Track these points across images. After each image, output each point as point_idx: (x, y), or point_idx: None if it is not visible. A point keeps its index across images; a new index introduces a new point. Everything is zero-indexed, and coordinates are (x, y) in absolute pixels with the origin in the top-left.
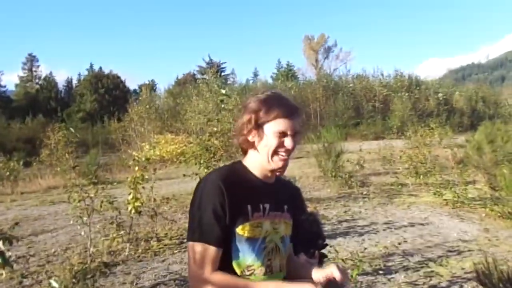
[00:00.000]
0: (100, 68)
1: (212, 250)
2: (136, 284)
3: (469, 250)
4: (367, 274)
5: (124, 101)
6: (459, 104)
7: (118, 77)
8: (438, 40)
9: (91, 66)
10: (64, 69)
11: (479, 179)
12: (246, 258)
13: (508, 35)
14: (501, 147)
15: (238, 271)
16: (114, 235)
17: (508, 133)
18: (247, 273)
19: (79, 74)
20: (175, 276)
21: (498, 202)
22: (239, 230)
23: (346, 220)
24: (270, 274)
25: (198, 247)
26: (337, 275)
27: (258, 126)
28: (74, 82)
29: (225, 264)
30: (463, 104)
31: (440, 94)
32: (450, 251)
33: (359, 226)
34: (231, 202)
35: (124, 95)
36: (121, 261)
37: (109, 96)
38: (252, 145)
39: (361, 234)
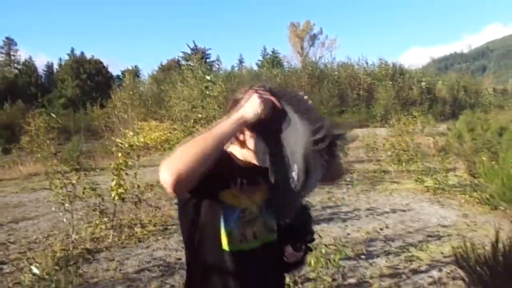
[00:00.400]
0: (82, 53)
1: None
2: (120, 270)
3: (448, 235)
4: (349, 259)
5: (107, 87)
6: (441, 93)
7: (101, 62)
8: (421, 29)
9: (72, 50)
10: (44, 53)
11: (459, 166)
12: (227, 225)
13: (490, 26)
14: (481, 135)
15: (224, 237)
16: (98, 221)
17: (488, 122)
18: (230, 240)
19: (60, 59)
20: (159, 262)
21: (477, 189)
22: (220, 196)
23: (329, 207)
24: (249, 241)
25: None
26: None
27: (253, 128)
28: (55, 67)
29: (212, 230)
30: (446, 93)
31: (423, 83)
32: (430, 236)
33: (342, 212)
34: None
35: (106, 81)
36: (104, 248)
37: (91, 82)
38: (242, 144)
39: (344, 220)
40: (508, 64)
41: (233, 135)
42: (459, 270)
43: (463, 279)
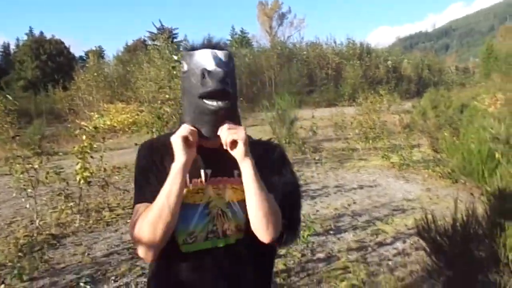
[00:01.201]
0: (41, 32)
1: (142, 206)
2: (88, 254)
3: (412, 208)
4: (318, 234)
5: (69, 68)
6: (406, 72)
7: (62, 43)
8: (388, 8)
9: (31, 30)
10: (0, 33)
11: (423, 143)
12: (188, 224)
13: (453, 4)
14: (444, 112)
15: (181, 239)
16: (63, 206)
17: (450, 99)
18: (190, 240)
19: (17, 39)
20: (129, 245)
21: (439, 164)
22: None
23: (299, 185)
24: (213, 239)
25: (134, 210)
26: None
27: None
28: (12, 47)
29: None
30: (411, 71)
31: (389, 62)
32: (395, 210)
33: (311, 190)
34: (167, 165)
35: (69, 62)
36: (71, 233)
37: (52, 63)
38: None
39: (313, 198)
40: (469, 42)
41: (182, 185)
42: (421, 241)
43: (424, 250)
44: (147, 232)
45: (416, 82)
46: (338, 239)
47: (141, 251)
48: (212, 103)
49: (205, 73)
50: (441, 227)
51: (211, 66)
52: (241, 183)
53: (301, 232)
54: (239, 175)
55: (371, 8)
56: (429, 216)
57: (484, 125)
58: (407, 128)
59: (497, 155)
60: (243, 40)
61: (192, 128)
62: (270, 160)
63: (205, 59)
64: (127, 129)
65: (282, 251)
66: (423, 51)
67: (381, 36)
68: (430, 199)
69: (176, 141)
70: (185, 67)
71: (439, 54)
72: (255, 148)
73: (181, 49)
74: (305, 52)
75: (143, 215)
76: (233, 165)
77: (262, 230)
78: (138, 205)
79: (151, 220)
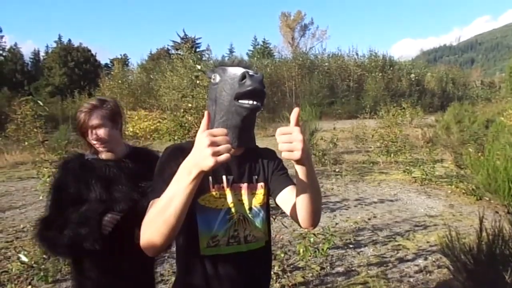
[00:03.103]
0: (69, 40)
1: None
2: None
3: (434, 225)
4: (337, 248)
5: (95, 75)
6: (430, 85)
7: (89, 51)
8: (412, 21)
9: (60, 38)
10: (31, 40)
11: (447, 158)
12: (210, 229)
13: (478, 19)
14: (468, 127)
15: (204, 242)
16: None
17: (475, 114)
18: (212, 244)
19: (47, 46)
20: None
21: (463, 180)
22: (200, 201)
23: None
24: (235, 244)
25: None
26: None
27: None
28: (42, 54)
29: (191, 237)
30: (434, 85)
31: (412, 75)
32: (417, 226)
33: (331, 202)
34: None
35: (95, 70)
36: None
37: (79, 70)
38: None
39: (333, 210)
40: (496, 57)
41: (193, 190)
42: (444, 259)
43: (447, 268)
44: (147, 229)
45: (439, 95)
46: (358, 253)
47: (142, 246)
48: (249, 102)
49: (246, 75)
50: (466, 246)
51: (250, 72)
52: (261, 188)
53: (321, 245)
54: (257, 180)
55: (395, 20)
56: (453, 233)
57: (511, 141)
58: (430, 143)
59: None
60: (265, 51)
61: (225, 131)
62: (275, 162)
63: (241, 71)
64: (149, 136)
65: (301, 263)
66: (447, 65)
67: (404, 49)
68: (453, 216)
69: (204, 141)
70: (218, 79)
71: (464, 68)
72: (261, 156)
73: (204, 58)
74: (326, 64)
75: (150, 211)
76: (253, 171)
77: (314, 218)
78: (151, 202)
79: (152, 218)
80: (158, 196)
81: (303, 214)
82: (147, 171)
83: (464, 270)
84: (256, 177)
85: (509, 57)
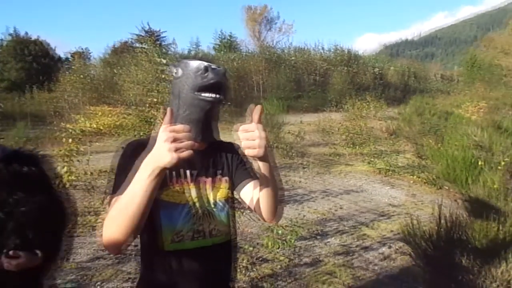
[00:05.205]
0: (26, 33)
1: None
2: (73, 260)
3: (397, 214)
4: (304, 239)
5: (54, 70)
6: (392, 79)
7: (48, 44)
8: (373, 15)
9: (15, 31)
10: None
11: (408, 149)
12: (174, 224)
13: (437, 14)
14: (428, 119)
15: (168, 238)
16: None
17: (435, 106)
18: (177, 239)
19: (1, 40)
20: None
21: (424, 170)
22: (164, 196)
23: (285, 189)
24: (200, 239)
25: (109, 202)
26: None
27: None
28: None
29: (155, 233)
30: (396, 79)
31: (376, 69)
32: (381, 215)
33: (298, 195)
34: None
35: (54, 64)
36: None
37: (37, 65)
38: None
39: (300, 203)
40: (454, 51)
41: (156, 187)
42: (406, 246)
43: (409, 254)
44: (109, 227)
45: (401, 89)
46: (325, 243)
47: (104, 243)
48: (211, 95)
49: (208, 68)
50: (426, 233)
51: (212, 66)
52: (225, 182)
53: (288, 236)
54: (222, 175)
55: (357, 15)
56: (414, 222)
57: (468, 132)
58: (393, 135)
59: (480, 162)
60: (231, 45)
61: (188, 127)
62: (243, 155)
63: (203, 65)
64: (113, 133)
65: (269, 256)
66: (408, 59)
67: (367, 43)
68: (415, 205)
69: (166, 137)
70: (180, 73)
71: (424, 62)
72: (226, 150)
73: (170, 52)
74: (293, 58)
75: (112, 208)
76: (217, 166)
77: (276, 213)
78: (114, 199)
79: (115, 215)
80: (120, 193)
81: (265, 208)
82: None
83: (424, 256)
84: (220, 171)
85: (466, 51)
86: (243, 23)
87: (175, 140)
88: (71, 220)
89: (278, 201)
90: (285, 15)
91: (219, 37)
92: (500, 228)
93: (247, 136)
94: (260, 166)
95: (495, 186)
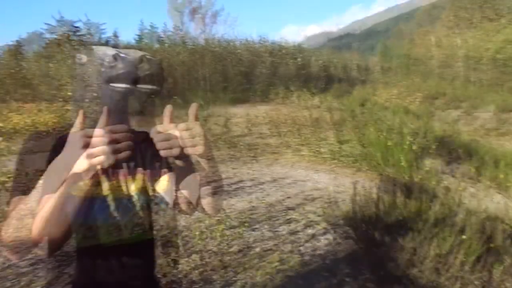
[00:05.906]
0: None
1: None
2: (9, 266)
3: (320, 197)
4: (234, 227)
5: None
6: (315, 69)
7: None
8: (295, 7)
9: None
10: None
11: (352, 138)
12: (86, 219)
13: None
14: (370, 109)
15: (81, 234)
16: None
17: (376, 97)
18: (90, 234)
19: None
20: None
21: (366, 158)
22: (75, 191)
23: (215, 181)
24: (115, 233)
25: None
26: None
27: None
28: None
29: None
30: (319, 69)
31: (299, 59)
32: (306, 199)
33: (227, 184)
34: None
35: None
36: None
37: None
38: None
39: (228, 192)
40: (370, 44)
41: (90, 188)
42: (329, 228)
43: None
44: (39, 229)
45: (324, 79)
46: (254, 230)
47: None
48: (121, 85)
49: (117, 56)
50: (346, 212)
51: (122, 54)
52: (140, 173)
53: (217, 226)
54: (160, 167)
55: (280, 7)
56: (334, 203)
57: (380, 117)
58: (317, 123)
59: (389, 143)
60: (153, 36)
61: (126, 127)
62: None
63: (112, 52)
64: (24, 131)
65: (198, 247)
66: (328, 50)
67: (290, 34)
68: (336, 187)
69: (102, 140)
70: (84, 59)
71: (343, 53)
72: (142, 140)
73: (86, 43)
74: (217, 49)
75: (42, 209)
76: (154, 157)
77: (218, 206)
78: (45, 197)
79: (47, 217)
80: (50, 192)
81: (209, 203)
82: None
83: (346, 234)
84: (159, 163)
85: (382, 43)
86: (166, 13)
87: (113, 141)
88: None
89: (220, 194)
90: (219, 5)
91: (140, 28)
92: (407, 202)
93: (187, 135)
94: (203, 163)
95: (401, 163)
